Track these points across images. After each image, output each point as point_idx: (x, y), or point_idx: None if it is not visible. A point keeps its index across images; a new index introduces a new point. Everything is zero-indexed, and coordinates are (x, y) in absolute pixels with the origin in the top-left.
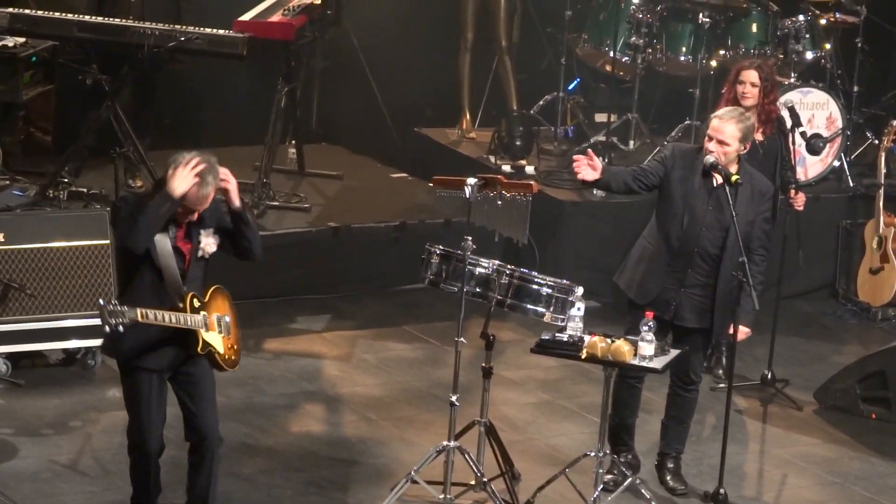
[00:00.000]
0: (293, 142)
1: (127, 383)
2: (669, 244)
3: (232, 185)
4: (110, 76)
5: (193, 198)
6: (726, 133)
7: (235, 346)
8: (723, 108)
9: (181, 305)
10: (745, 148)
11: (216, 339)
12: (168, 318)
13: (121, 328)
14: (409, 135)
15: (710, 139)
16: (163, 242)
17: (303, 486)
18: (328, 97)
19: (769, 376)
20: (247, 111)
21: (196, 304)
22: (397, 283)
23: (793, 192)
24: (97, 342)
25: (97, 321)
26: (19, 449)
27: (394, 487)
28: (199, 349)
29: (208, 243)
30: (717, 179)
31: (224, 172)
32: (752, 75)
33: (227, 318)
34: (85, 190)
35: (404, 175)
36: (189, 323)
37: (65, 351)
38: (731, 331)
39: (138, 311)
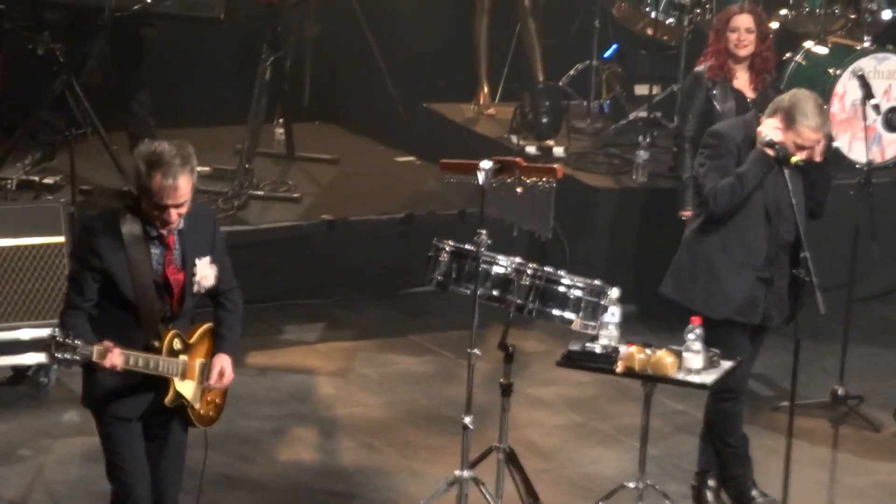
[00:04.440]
0: (281, 121)
1: (102, 432)
2: (750, 245)
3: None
4: (66, 46)
5: (157, 189)
6: (825, 131)
7: (218, 401)
8: (807, 107)
9: (156, 345)
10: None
11: (191, 390)
12: (136, 360)
13: (69, 366)
14: (417, 111)
15: (802, 149)
16: (139, 265)
17: None
18: (322, 68)
19: (840, 393)
20: (226, 85)
21: (177, 345)
22: (402, 286)
23: None
24: None
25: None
26: None
27: None
28: (166, 400)
29: (205, 275)
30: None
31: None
32: (745, 20)
33: None
34: (37, 179)
35: (411, 159)
36: (161, 369)
37: (13, 367)
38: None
39: (95, 348)
